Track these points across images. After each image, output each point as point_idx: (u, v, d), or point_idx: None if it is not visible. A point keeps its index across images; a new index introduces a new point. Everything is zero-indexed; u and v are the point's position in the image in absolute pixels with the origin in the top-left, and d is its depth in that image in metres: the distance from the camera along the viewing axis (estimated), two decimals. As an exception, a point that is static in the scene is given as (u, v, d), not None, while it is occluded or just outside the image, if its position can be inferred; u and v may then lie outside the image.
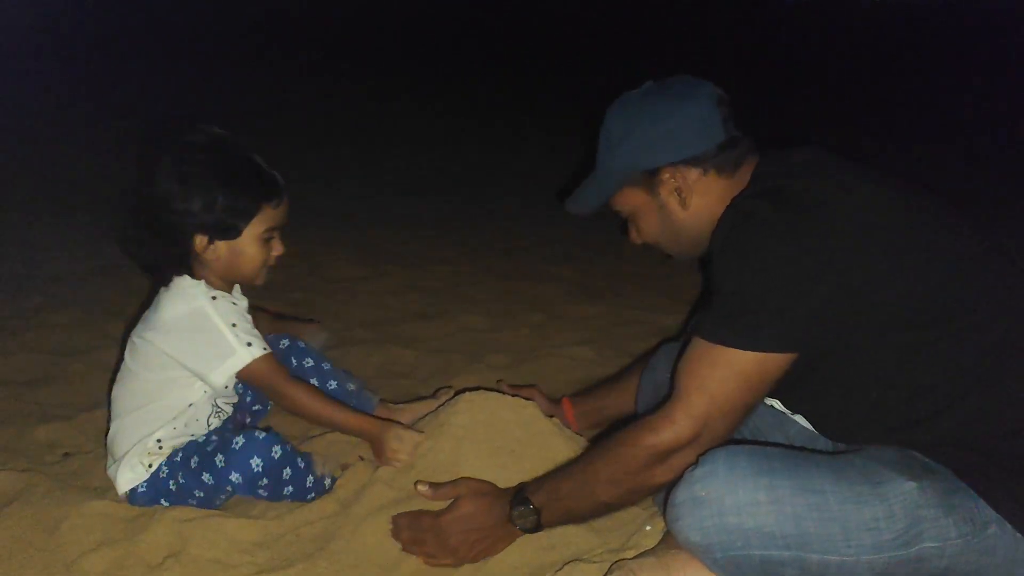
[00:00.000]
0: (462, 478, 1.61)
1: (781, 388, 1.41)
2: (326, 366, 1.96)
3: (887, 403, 1.37)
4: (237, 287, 1.76)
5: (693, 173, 1.49)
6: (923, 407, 1.33)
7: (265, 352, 1.64)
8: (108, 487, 1.76)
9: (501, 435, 1.68)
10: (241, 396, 1.86)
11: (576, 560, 1.52)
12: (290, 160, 5.37)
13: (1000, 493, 1.30)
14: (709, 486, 1.29)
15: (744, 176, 1.48)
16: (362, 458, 1.75)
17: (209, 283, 1.66)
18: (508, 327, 2.87)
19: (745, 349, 1.33)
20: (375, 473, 1.69)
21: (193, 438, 1.71)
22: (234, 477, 1.60)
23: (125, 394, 1.70)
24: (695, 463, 1.35)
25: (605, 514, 1.54)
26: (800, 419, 1.58)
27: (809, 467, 1.32)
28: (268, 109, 7.29)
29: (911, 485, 1.29)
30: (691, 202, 1.50)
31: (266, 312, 2.01)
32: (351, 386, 1.95)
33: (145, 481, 1.66)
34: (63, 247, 3.51)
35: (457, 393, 1.83)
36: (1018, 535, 1.29)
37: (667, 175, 1.50)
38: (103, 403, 2.13)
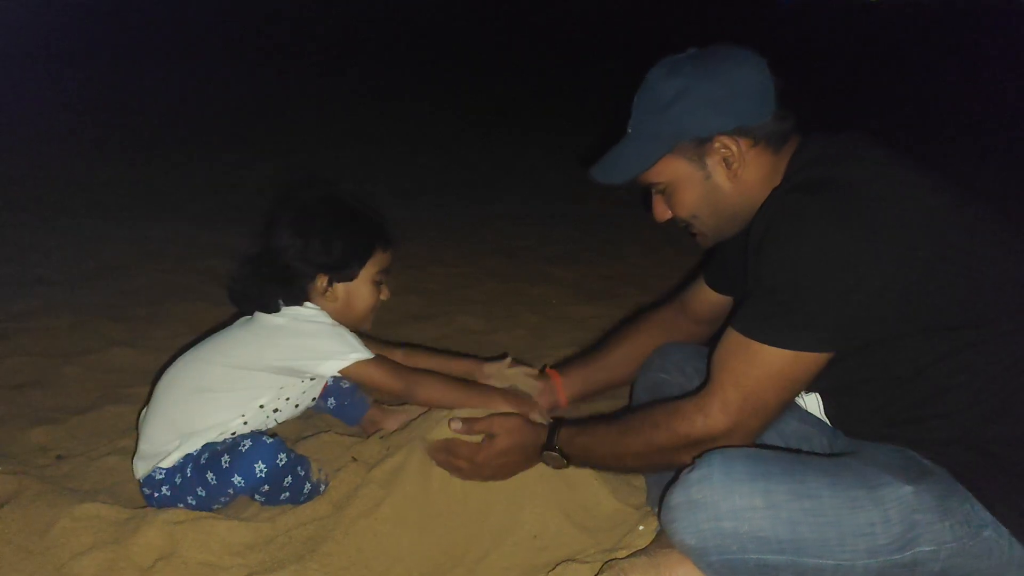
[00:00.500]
0: (494, 414, 1.66)
1: None
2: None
3: (903, 398, 1.35)
4: None
5: (746, 143, 1.41)
6: (939, 406, 1.32)
7: (378, 354, 1.74)
8: (100, 489, 1.76)
9: None
10: None
11: (569, 560, 1.51)
12: (288, 160, 5.44)
13: (997, 497, 1.29)
14: (705, 490, 1.29)
15: (787, 154, 1.43)
16: (355, 459, 1.75)
17: None
18: (505, 328, 2.86)
19: (784, 348, 1.30)
20: (367, 475, 1.68)
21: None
22: (236, 480, 1.60)
23: (190, 377, 1.72)
24: (691, 465, 1.35)
25: (629, 474, 1.68)
26: (812, 399, 1.55)
27: (805, 471, 1.31)
28: (270, 109, 7.31)
29: (907, 489, 1.28)
30: (740, 174, 1.42)
31: None
32: (345, 383, 1.95)
33: (167, 469, 1.67)
34: (58, 249, 3.51)
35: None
36: (1013, 539, 1.29)
37: (719, 143, 1.41)
38: (96, 406, 2.14)
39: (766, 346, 1.31)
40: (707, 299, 1.83)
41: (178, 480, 1.65)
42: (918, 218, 1.28)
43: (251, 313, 1.76)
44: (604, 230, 4.38)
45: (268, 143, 6.00)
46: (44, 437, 2.00)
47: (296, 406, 1.80)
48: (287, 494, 1.64)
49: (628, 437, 1.47)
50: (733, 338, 1.36)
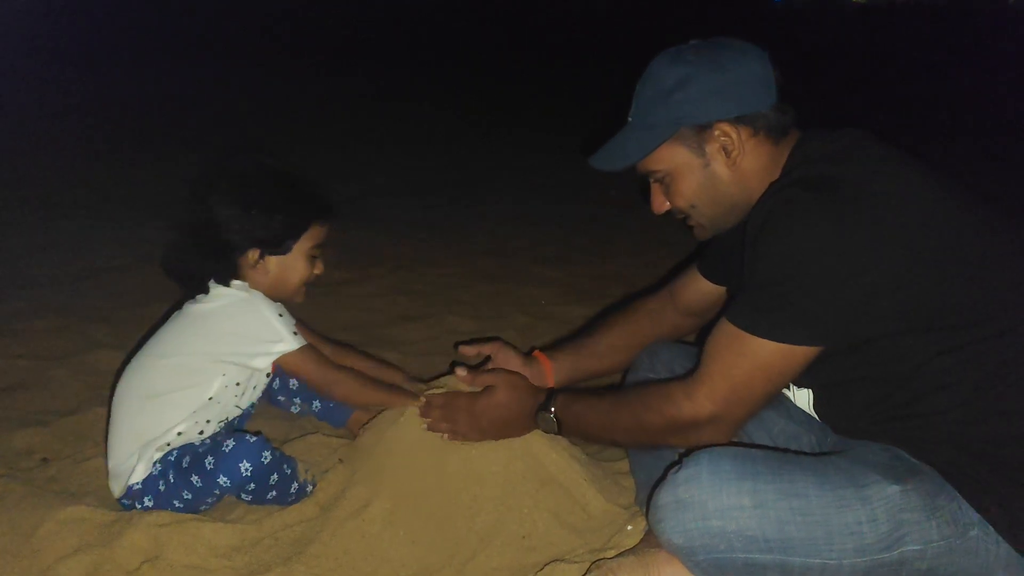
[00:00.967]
0: (498, 369, 1.71)
1: None
2: (293, 385, 1.98)
3: (894, 396, 1.35)
4: None
5: (746, 132, 1.41)
6: (929, 405, 1.32)
7: (308, 343, 1.71)
8: (86, 492, 1.75)
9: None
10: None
11: (557, 561, 1.51)
12: (285, 162, 5.40)
13: (985, 496, 1.29)
14: (693, 489, 1.29)
15: (787, 147, 1.43)
16: (341, 461, 1.74)
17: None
18: (494, 329, 2.85)
19: (775, 341, 1.31)
20: (354, 476, 1.68)
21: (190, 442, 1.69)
22: (222, 480, 1.59)
23: (139, 383, 1.70)
24: (679, 464, 1.35)
25: (617, 448, 1.71)
26: (803, 395, 1.54)
27: (793, 470, 1.31)
28: (270, 109, 7.29)
29: (894, 489, 1.29)
30: (739, 163, 1.42)
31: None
32: (316, 404, 1.95)
33: (143, 479, 1.65)
34: (46, 251, 3.49)
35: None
36: (1000, 538, 1.29)
37: (719, 131, 1.40)
38: (83, 408, 2.13)
39: (756, 338, 1.32)
40: (698, 289, 1.82)
41: (161, 487, 1.64)
42: (915, 217, 1.28)
43: (184, 286, 1.73)
44: (596, 231, 4.38)
45: (266, 143, 5.98)
46: (29, 440, 1.98)
47: (254, 387, 1.76)
48: (274, 493, 1.63)
49: (619, 411, 1.50)
50: (725, 328, 1.37)
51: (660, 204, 1.52)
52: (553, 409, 1.58)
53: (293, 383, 1.94)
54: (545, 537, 1.62)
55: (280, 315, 1.69)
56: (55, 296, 2.97)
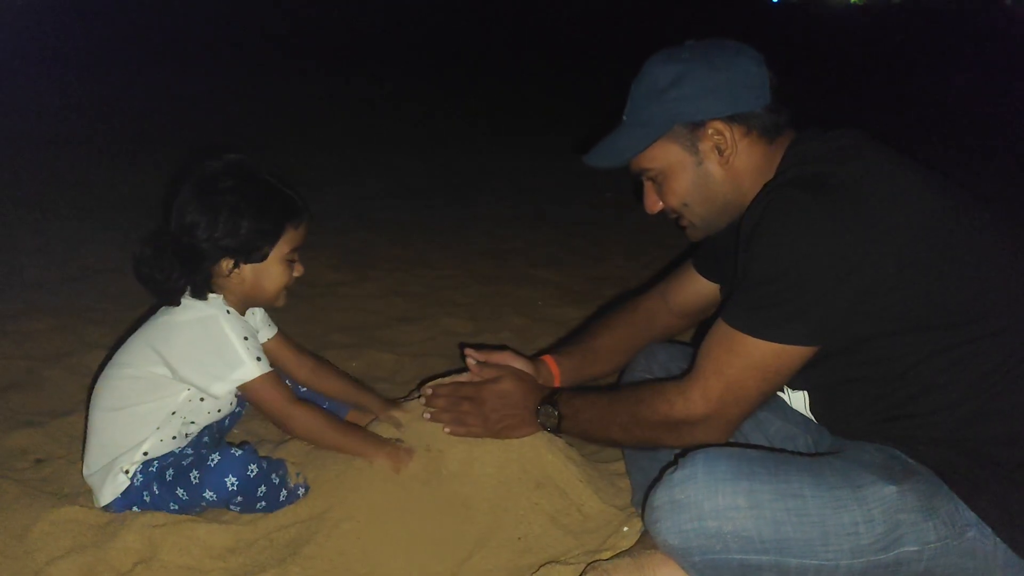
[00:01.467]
0: (507, 364, 1.72)
1: None
2: (302, 389, 1.93)
3: (890, 396, 1.35)
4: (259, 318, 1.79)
5: (739, 131, 1.41)
6: (925, 404, 1.32)
7: (272, 370, 1.64)
8: (80, 493, 1.74)
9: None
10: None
11: (552, 562, 1.51)
12: (282, 164, 5.39)
13: (982, 497, 1.29)
14: (688, 489, 1.28)
15: (781, 147, 1.42)
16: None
17: (227, 304, 1.66)
18: (490, 330, 2.85)
19: (768, 340, 1.31)
20: (349, 478, 1.67)
21: (172, 450, 1.68)
22: (208, 495, 1.57)
23: (105, 395, 1.67)
24: (675, 465, 1.34)
25: (617, 447, 1.65)
26: (799, 397, 1.54)
27: (789, 471, 1.31)
28: (270, 110, 7.27)
29: (891, 489, 1.29)
30: (732, 162, 1.42)
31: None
32: (325, 404, 1.93)
33: (123, 490, 1.63)
34: (44, 252, 3.48)
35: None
36: (998, 539, 1.29)
37: (713, 129, 1.41)
38: (77, 409, 2.11)
39: (750, 337, 1.32)
40: (693, 288, 1.82)
41: (146, 498, 1.62)
42: (911, 217, 1.28)
43: (156, 296, 1.66)
44: (591, 232, 4.38)
45: (267, 145, 5.97)
46: (23, 441, 1.97)
47: (218, 411, 1.72)
48: (263, 503, 1.61)
49: (616, 407, 1.51)
50: (720, 328, 1.37)
51: (653, 203, 1.52)
52: (557, 401, 1.58)
53: (287, 382, 1.91)
54: (541, 539, 1.61)
55: (245, 338, 1.61)
56: (50, 297, 2.96)
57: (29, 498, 1.67)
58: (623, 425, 1.49)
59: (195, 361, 1.61)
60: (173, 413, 1.65)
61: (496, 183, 5.50)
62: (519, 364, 1.77)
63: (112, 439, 1.65)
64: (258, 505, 1.62)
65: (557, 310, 3.06)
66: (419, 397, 1.78)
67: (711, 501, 1.27)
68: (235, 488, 1.56)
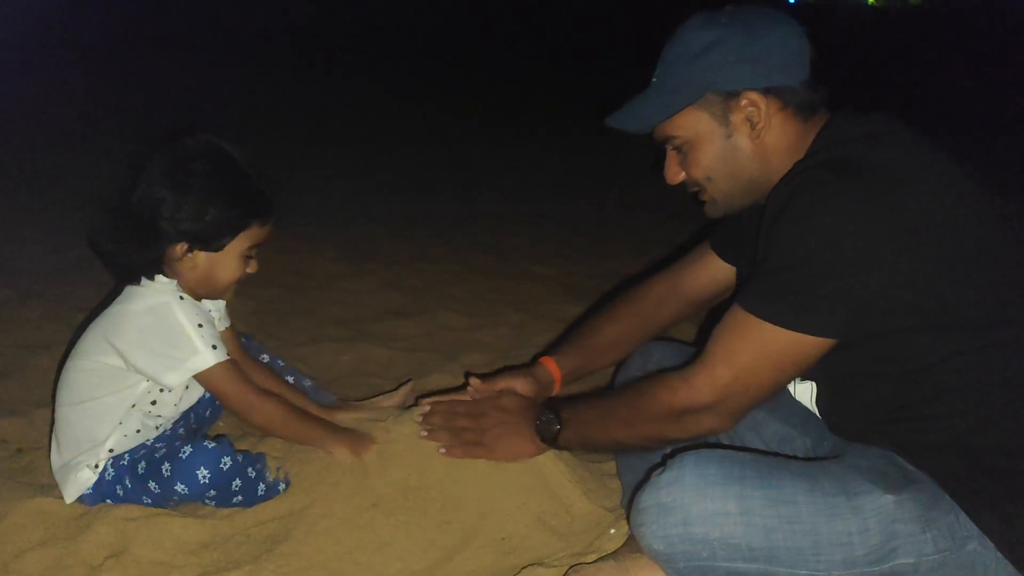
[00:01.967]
0: (508, 387, 1.68)
1: None
2: (280, 362, 1.91)
3: (902, 396, 1.27)
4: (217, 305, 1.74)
5: (774, 105, 1.32)
6: (937, 407, 1.25)
7: (230, 358, 1.59)
8: (56, 484, 1.70)
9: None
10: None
11: (535, 564, 1.46)
12: (287, 158, 5.39)
13: (986, 510, 1.23)
14: (676, 492, 1.23)
15: (814, 127, 1.34)
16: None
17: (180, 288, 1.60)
18: (487, 326, 2.81)
19: (785, 328, 1.22)
20: (332, 475, 1.63)
21: (143, 442, 1.64)
22: (180, 488, 1.53)
23: (64, 390, 1.63)
24: (663, 466, 1.29)
25: (619, 451, 1.54)
26: (805, 388, 1.48)
27: (782, 476, 1.25)
28: (275, 108, 7.27)
29: (888, 499, 1.23)
30: (764, 137, 1.33)
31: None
32: (307, 382, 1.89)
33: (92, 484, 1.59)
34: (39, 241, 3.46)
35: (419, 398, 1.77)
36: (1000, 555, 1.23)
37: (747, 100, 1.31)
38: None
39: (767, 324, 1.24)
40: (708, 271, 1.73)
41: (120, 492, 1.58)
42: (945, 208, 1.20)
43: (109, 271, 1.60)
44: (596, 230, 4.34)
45: (269, 140, 5.96)
46: (6, 429, 1.94)
47: (182, 399, 1.67)
48: (239, 497, 1.57)
49: (617, 403, 1.45)
50: (734, 313, 1.29)
51: (675, 174, 1.42)
52: (556, 406, 1.53)
53: (280, 360, 1.88)
54: (526, 539, 1.57)
55: (200, 325, 1.55)
56: (45, 286, 2.93)
57: (5, 489, 1.64)
58: (625, 421, 1.41)
59: (147, 350, 1.55)
60: (133, 406, 1.60)
61: (502, 179, 5.46)
62: (521, 386, 1.71)
63: (74, 435, 1.60)
64: (234, 499, 1.57)
65: (556, 306, 3.01)
66: (415, 403, 1.75)
67: (699, 505, 1.22)
68: (207, 481, 1.52)
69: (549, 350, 1.86)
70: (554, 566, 1.45)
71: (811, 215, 1.19)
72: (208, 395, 1.72)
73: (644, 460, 1.54)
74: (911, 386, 1.26)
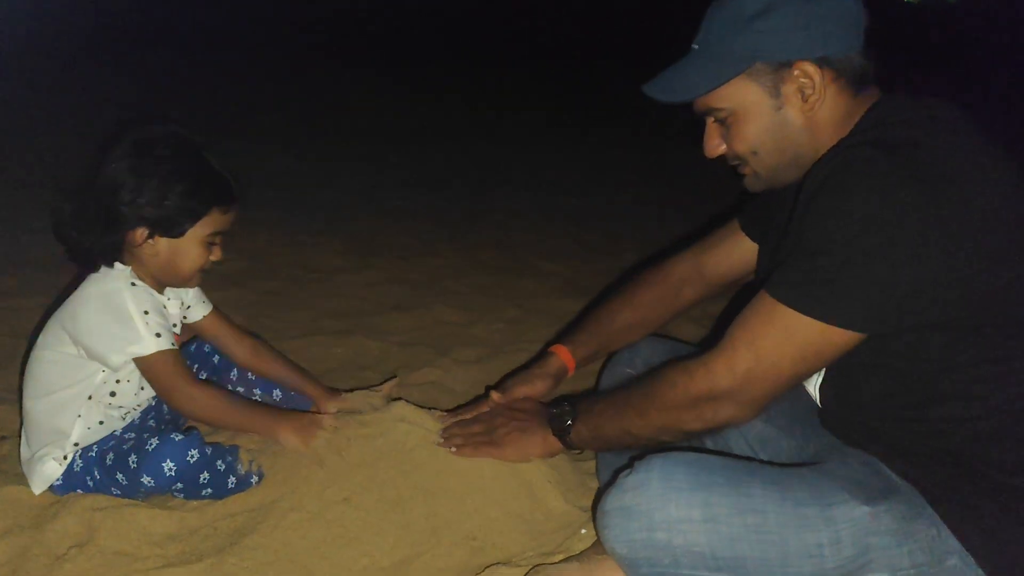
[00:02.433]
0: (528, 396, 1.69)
1: None
2: (251, 376, 1.89)
3: (914, 394, 1.21)
4: (183, 294, 1.73)
5: (829, 75, 1.23)
6: (950, 411, 1.18)
7: (172, 348, 1.58)
8: (34, 473, 1.70)
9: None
10: None
11: (499, 564, 1.43)
12: (294, 153, 5.40)
13: (971, 525, 1.19)
14: (641, 496, 1.19)
15: (864, 103, 1.25)
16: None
17: (137, 276, 1.60)
18: (483, 321, 2.78)
19: (812, 317, 1.14)
20: (306, 469, 1.60)
21: (112, 433, 1.64)
22: (146, 480, 1.52)
23: (29, 382, 1.63)
24: (631, 468, 1.25)
25: (634, 446, 1.39)
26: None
27: (752, 483, 1.20)
28: (286, 102, 7.29)
29: (863, 511, 1.19)
30: (816, 110, 1.24)
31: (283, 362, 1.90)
32: (277, 393, 1.87)
33: (61, 475, 1.59)
34: (45, 232, 3.45)
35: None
36: (981, 571, 1.18)
37: (800, 71, 1.22)
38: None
39: (794, 311, 1.15)
40: (737, 251, 1.64)
41: (90, 482, 1.58)
42: (994, 208, 1.11)
43: (69, 256, 1.60)
44: (606, 226, 4.28)
45: (278, 134, 5.98)
46: (-8, 418, 1.95)
47: (141, 388, 1.66)
48: (209, 490, 1.56)
49: (631, 391, 1.38)
50: (761, 300, 1.21)
51: (715, 147, 1.33)
52: (571, 399, 1.51)
53: (250, 374, 1.86)
54: (497, 538, 1.54)
55: (146, 312, 1.55)
56: (48, 277, 2.93)
57: (-19, 477, 1.64)
58: (639, 410, 1.34)
59: (94, 331, 1.55)
60: (90, 398, 1.60)
61: (515, 176, 5.42)
62: (538, 390, 1.71)
63: (38, 429, 1.60)
64: (203, 492, 1.56)
65: (555, 302, 2.97)
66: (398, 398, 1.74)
67: (663, 511, 1.18)
68: (173, 474, 1.51)
69: (563, 336, 1.80)
70: (520, 565, 1.42)
71: (853, 196, 1.10)
72: None
73: (622, 458, 1.50)
74: (919, 386, 1.20)
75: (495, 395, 1.69)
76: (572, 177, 5.38)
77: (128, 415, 1.65)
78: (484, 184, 5.11)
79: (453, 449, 1.59)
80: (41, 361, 1.61)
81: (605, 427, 1.42)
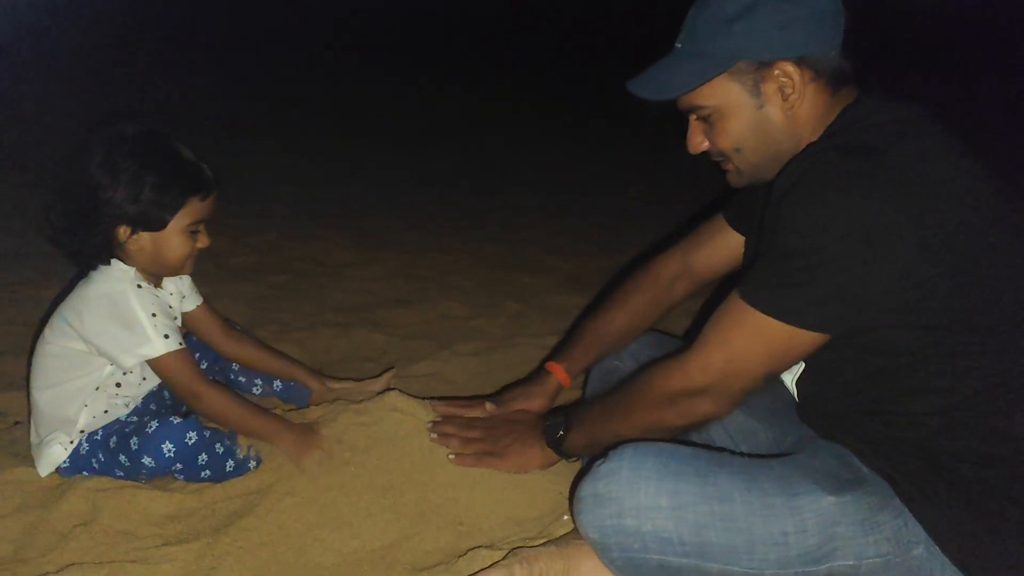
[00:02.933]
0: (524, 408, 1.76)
1: None
2: (252, 372, 1.96)
3: (885, 387, 1.25)
4: (181, 286, 1.79)
5: (808, 75, 1.26)
6: (919, 404, 1.22)
7: (181, 347, 1.64)
8: (42, 455, 1.78)
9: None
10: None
11: (482, 547, 1.49)
12: (305, 151, 5.47)
13: (936, 515, 1.22)
14: (612, 484, 1.25)
15: (840, 102, 1.29)
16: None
17: (140, 276, 1.66)
18: (487, 315, 2.83)
19: (779, 319, 1.20)
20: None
21: (116, 418, 1.70)
22: (146, 461, 1.59)
23: (36, 374, 1.69)
24: (605, 457, 1.30)
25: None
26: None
27: (720, 473, 1.26)
28: (297, 105, 7.36)
29: (829, 500, 1.23)
30: (796, 109, 1.28)
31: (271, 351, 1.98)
32: (278, 384, 1.94)
33: (67, 458, 1.66)
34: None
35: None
36: (947, 560, 1.22)
37: (780, 71, 1.26)
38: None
39: (761, 314, 1.21)
40: (724, 244, 1.70)
41: (95, 465, 1.65)
42: (959, 213, 1.14)
43: (66, 257, 1.66)
44: (612, 224, 4.32)
45: (289, 133, 6.06)
46: (6, 403, 2.02)
47: (144, 379, 1.72)
48: (207, 472, 1.62)
49: (617, 393, 1.45)
50: (732, 301, 1.27)
51: (698, 143, 1.37)
52: (564, 410, 1.60)
53: (241, 378, 1.94)
54: (483, 523, 1.59)
55: (153, 314, 1.60)
56: (66, 267, 3.01)
57: (-6, 459, 1.72)
58: (624, 410, 1.42)
59: (105, 334, 1.60)
60: (97, 389, 1.66)
61: (525, 174, 5.47)
62: (535, 406, 1.77)
63: (45, 417, 1.67)
64: (202, 474, 1.63)
65: (558, 298, 3.02)
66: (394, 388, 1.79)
67: (632, 499, 1.24)
68: (172, 455, 1.57)
69: (559, 351, 1.86)
70: (501, 549, 1.47)
71: (818, 201, 1.14)
72: None
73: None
74: (892, 380, 1.24)
75: (490, 407, 1.75)
76: (577, 175, 5.42)
77: (131, 403, 1.72)
78: (494, 182, 5.16)
79: (452, 456, 1.65)
80: (47, 355, 1.67)
81: (597, 433, 1.49)
